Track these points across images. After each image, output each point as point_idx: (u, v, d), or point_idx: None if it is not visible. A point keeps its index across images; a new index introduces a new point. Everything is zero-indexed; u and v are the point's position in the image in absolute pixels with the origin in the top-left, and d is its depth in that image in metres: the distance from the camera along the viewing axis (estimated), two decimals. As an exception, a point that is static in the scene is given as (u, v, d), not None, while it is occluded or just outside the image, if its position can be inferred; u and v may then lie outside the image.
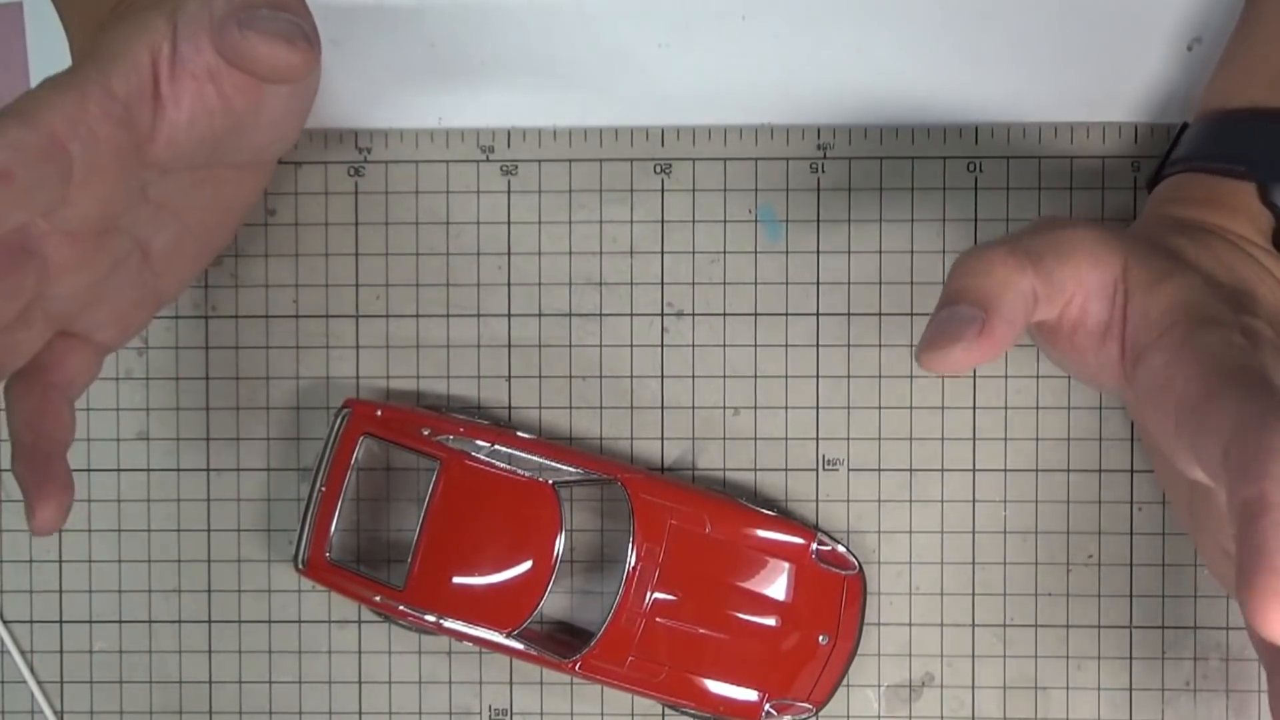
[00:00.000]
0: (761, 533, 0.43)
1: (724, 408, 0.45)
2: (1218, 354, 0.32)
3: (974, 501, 0.45)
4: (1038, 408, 0.45)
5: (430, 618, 0.43)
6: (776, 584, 0.43)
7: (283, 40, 0.36)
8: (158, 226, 0.40)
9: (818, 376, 0.45)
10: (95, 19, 0.41)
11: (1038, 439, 0.45)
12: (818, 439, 0.45)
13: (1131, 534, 0.45)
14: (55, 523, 0.40)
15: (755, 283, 0.45)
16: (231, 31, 0.36)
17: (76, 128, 0.35)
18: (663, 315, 0.45)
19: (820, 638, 0.44)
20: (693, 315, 0.45)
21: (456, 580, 0.43)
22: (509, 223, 0.45)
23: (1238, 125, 0.41)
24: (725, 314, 0.45)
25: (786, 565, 0.44)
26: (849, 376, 0.45)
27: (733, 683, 0.43)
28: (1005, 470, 0.45)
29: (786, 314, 0.45)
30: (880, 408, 0.45)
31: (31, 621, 0.46)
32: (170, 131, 0.37)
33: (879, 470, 0.45)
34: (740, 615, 0.43)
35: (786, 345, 0.45)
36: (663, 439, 0.45)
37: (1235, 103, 0.41)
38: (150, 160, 0.38)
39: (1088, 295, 0.36)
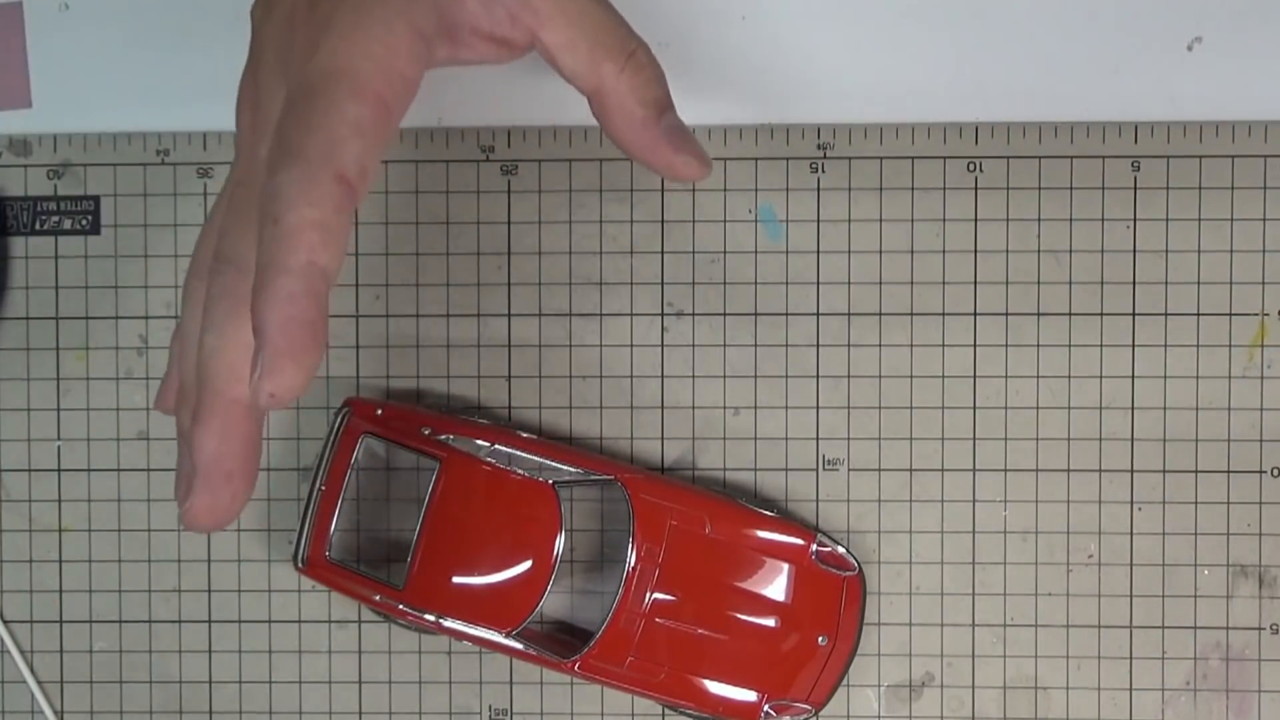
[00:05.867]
0: (761, 533, 0.43)
1: (724, 408, 0.45)
2: None
3: (974, 501, 0.45)
4: (1038, 407, 0.45)
5: (430, 617, 0.43)
6: (776, 585, 0.43)
7: (700, 165, 0.40)
8: None
9: (818, 376, 0.45)
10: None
11: (1038, 439, 0.45)
12: (818, 439, 0.45)
13: (1131, 534, 0.45)
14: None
15: (755, 283, 0.45)
16: (664, 148, 0.39)
17: (392, 82, 0.35)
18: (663, 315, 0.45)
19: (820, 639, 0.44)
20: (693, 315, 0.45)
21: (456, 580, 0.43)
22: (509, 223, 0.45)
23: None
24: (725, 314, 0.45)
25: (786, 566, 0.43)
26: (849, 376, 0.45)
27: (732, 683, 0.43)
28: (1005, 470, 0.45)
29: (786, 314, 0.45)
30: (880, 408, 0.45)
31: (31, 621, 0.46)
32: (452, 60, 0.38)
33: (879, 470, 0.45)
34: (740, 616, 0.43)
35: (786, 345, 0.45)
36: (663, 439, 0.45)
37: None
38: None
39: None
